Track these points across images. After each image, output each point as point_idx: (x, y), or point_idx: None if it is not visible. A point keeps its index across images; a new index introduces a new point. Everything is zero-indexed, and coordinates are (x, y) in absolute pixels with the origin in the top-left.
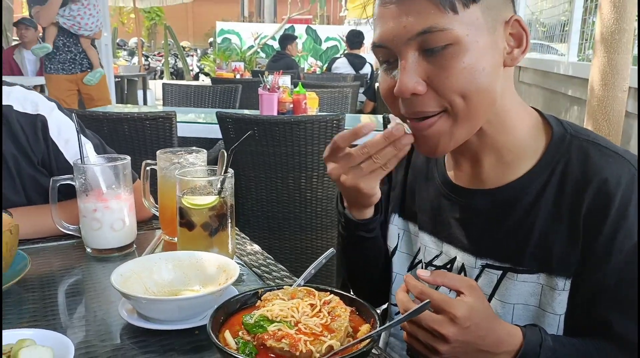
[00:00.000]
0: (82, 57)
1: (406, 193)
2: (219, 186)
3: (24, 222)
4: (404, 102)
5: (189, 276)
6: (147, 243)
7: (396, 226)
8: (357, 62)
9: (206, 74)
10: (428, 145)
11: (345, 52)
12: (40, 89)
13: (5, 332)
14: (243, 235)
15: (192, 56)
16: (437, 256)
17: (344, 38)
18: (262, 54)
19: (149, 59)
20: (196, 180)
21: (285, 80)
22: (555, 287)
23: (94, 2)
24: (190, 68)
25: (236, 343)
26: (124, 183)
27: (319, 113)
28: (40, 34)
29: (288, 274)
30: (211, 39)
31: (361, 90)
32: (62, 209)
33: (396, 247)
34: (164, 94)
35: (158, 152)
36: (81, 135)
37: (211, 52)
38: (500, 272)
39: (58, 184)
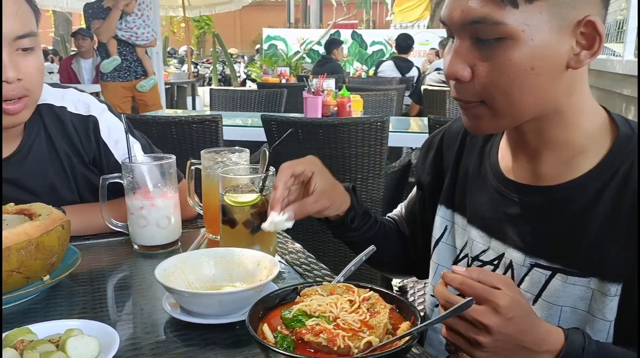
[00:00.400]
0: (136, 65)
1: (456, 185)
2: (260, 184)
3: (76, 219)
4: (452, 84)
5: (230, 273)
6: (192, 241)
7: (442, 217)
8: (403, 65)
9: (253, 80)
10: (471, 123)
11: (393, 55)
12: (96, 95)
13: (54, 323)
14: (285, 234)
15: (240, 62)
16: (484, 252)
17: (390, 42)
18: (308, 59)
19: (198, 66)
20: (238, 178)
21: (329, 83)
22: (607, 293)
23: (147, 12)
24: (238, 74)
25: (274, 337)
26: (169, 182)
27: (363, 116)
28: (96, 45)
29: (329, 272)
30: (258, 46)
31: (407, 93)
32: (112, 207)
33: (440, 238)
34: (211, 99)
35: (202, 152)
36: (129, 135)
37: (258, 59)
38: (549, 272)
39: (107, 183)
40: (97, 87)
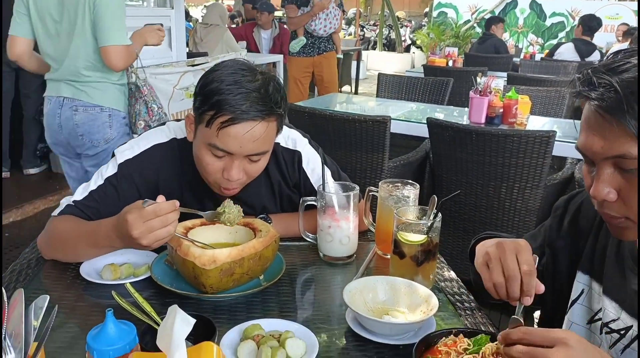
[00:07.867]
0: (320, 42)
1: (595, 254)
2: (427, 227)
3: (278, 226)
4: (596, 201)
5: (398, 299)
6: (363, 252)
7: (580, 282)
8: (584, 48)
9: (418, 47)
10: (616, 233)
11: (573, 35)
12: (272, 65)
13: (273, 321)
14: (442, 259)
15: (407, 26)
16: (614, 320)
17: (574, 13)
18: (478, 29)
19: (364, 29)
20: (410, 221)
21: (498, 83)
22: None
23: (331, 7)
24: (403, 39)
25: None
26: (352, 208)
27: (528, 129)
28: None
29: (474, 303)
30: (427, 9)
31: None
32: (305, 217)
33: (576, 300)
34: (378, 83)
35: (381, 182)
36: (325, 167)
37: (425, 24)
38: None
39: (306, 204)
40: (274, 58)
